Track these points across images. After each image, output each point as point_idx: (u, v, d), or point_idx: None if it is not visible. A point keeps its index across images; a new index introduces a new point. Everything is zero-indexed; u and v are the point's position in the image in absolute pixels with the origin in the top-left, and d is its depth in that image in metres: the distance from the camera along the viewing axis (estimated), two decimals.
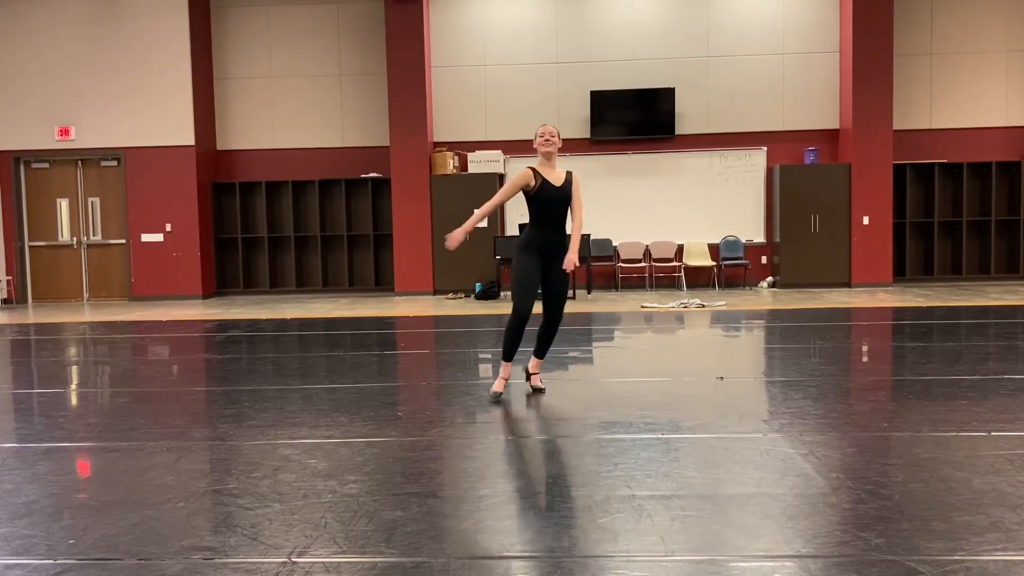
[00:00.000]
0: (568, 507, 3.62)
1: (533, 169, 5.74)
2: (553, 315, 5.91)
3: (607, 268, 14.56)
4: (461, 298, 13.82)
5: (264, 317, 11.54)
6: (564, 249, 5.75)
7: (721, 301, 12.09)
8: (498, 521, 3.46)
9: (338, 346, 8.75)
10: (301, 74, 14.95)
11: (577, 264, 5.71)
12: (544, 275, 5.80)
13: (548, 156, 5.74)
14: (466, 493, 3.83)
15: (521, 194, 5.74)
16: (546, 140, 5.73)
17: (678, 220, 14.51)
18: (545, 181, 5.72)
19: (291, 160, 15.09)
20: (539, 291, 5.82)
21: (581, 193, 5.85)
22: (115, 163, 14.67)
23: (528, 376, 6.08)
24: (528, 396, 5.89)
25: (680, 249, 14.57)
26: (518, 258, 5.77)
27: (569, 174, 5.79)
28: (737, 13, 14.36)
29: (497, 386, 5.85)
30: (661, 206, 14.50)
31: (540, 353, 6.02)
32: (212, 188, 14.94)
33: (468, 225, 5.75)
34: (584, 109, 14.45)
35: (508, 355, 5.85)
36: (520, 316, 5.72)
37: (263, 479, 4.08)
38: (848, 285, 13.96)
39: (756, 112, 14.42)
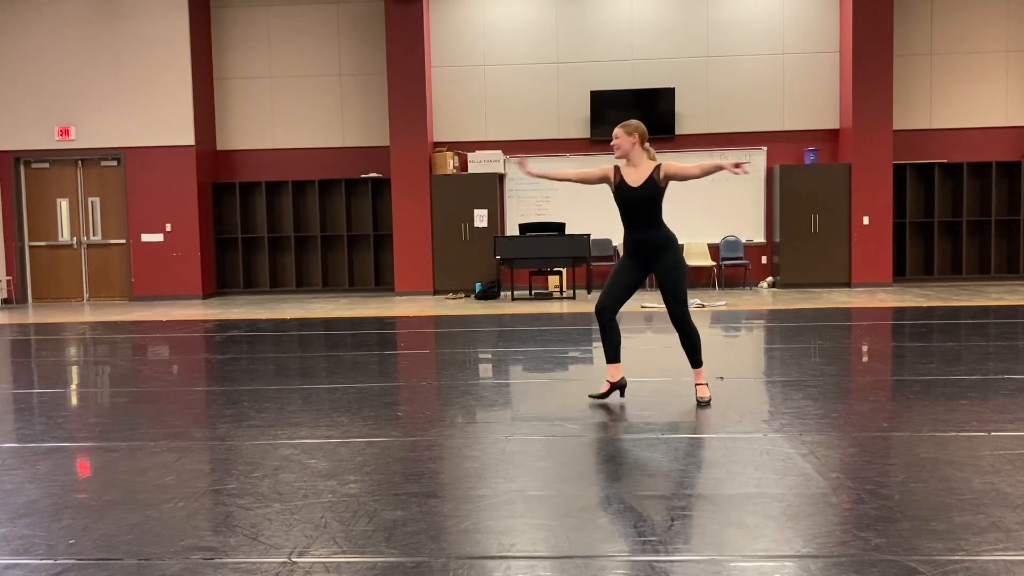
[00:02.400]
0: (568, 507, 3.62)
1: (616, 167, 5.52)
2: (673, 320, 5.57)
3: (607, 268, 14.54)
4: (461, 298, 13.82)
5: (264, 317, 11.54)
6: (659, 250, 5.47)
7: (721, 301, 12.09)
8: (498, 521, 3.46)
9: (338, 346, 8.75)
10: (301, 74, 14.95)
11: (737, 166, 5.33)
12: (657, 281, 5.58)
13: (623, 158, 5.49)
14: (466, 493, 3.83)
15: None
16: (613, 146, 5.50)
17: (678, 220, 14.41)
18: (623, 181, 5.46)
19: (291, 160, 15.09)
20: (626, 291, 5.59)
21: (684, 164, 5.49)
22: (115, 163, 14.67)
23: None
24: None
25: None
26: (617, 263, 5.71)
27: (657, 168, 5.42)
28: (737, 13, 14.37)
29: (604, 388, 5.66)
30: None
31: (692, 363, 5.63)
32: (212, 188, 14.94)
33: (543, 172, 5.71)
34: (584, 109, 14.45)
35: (606, 357, 5.65)
36: (596, 310, 5.62)
37: (263, 479, 4.08)
38: (848, 285, 13.96)
39: (756, 112, 14.42)
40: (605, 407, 5.51)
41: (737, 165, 5.34)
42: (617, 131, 5.53)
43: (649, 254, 5.51)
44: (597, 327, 5.68)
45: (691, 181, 14.84)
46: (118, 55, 14.36)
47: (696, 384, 5.64)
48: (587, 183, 5.65)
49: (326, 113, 14.99)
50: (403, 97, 14.12)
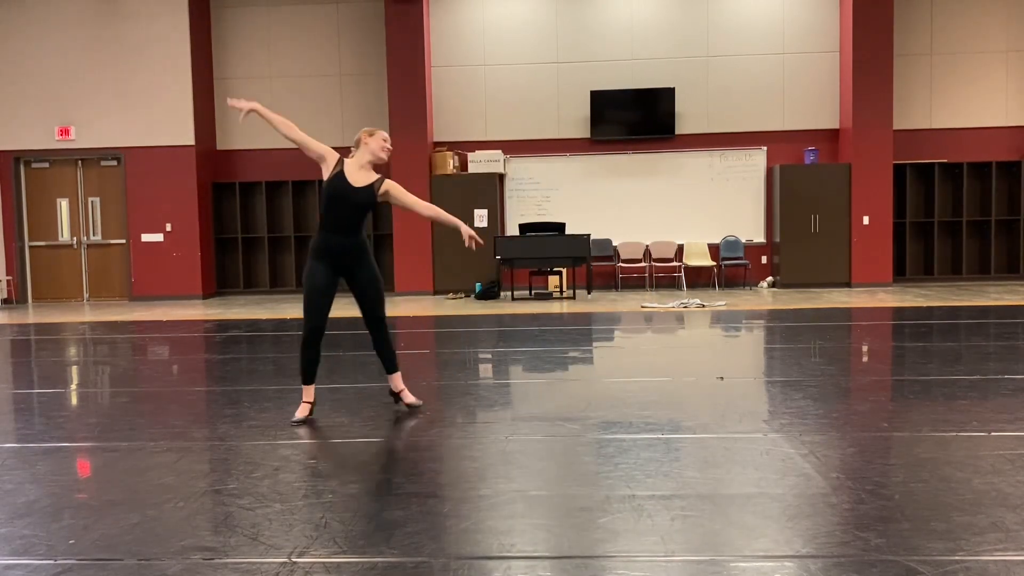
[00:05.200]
0: (568, 507, 3.62)
1: (342, 159, 5.15)
2: (377, 324, 5.38)
3: (607, 268, 14.55)
4: (461, 298, 13.82)
5: (264, 317, 11.54)
6: (362, 255, 5.24)
7: (721, 301, 12.09)
8: (498, 521, 3.46)
9: (338, 346, 8.75)
10: (301, 74, 14.95)
11: (475, 237, 5.30)
12: (352, 289, 5.33)
13: (376, 163, 5.18)
14: (466, 493, 3.83)
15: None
16: (389, 149, 5.23)
17: (678, 220, 14.51)
18: (342, 175, 5.10)
19: (291, 160, 15.07)
20: (330, 306, 5.29)
21: (408, 193, 5.34)
22: (115, 163, 14.67)
23: (395, 397, 5.55)
24: (401, 410, 5.50)
25: (680, 249, 14.56)
26: (308, 266, 5.21)
27: (380, 181, 5.21)
28: (737, 13, 14.36)
29: (299, 412, 5.28)
30: (661, 206, 14.49)
31: (390, 368, 5.48)
32: (212, 188, 14.93)
33: (262, 110, 5.04)
34: (584, 109, 14.45)
35: (305, 378, 5.30)
36: (310, 333, 5.20)
37: (263, 479, 4.08)
38: (848, 285, 13.95)
39: (756, 112, 14.42)
40: (605, 407, 5.50)
41: (471, 237, 5.29)
42: (390, 139, 5.29)
43: (351, 260, 5.22)
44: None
45: (691, 181, 14.82)
46: (118, 55, 14.36)
47: (400, 391, 5.48)
48: (305, 150, 5.12)
49: (326, 113, 14.98)
50: (403, 97, 14.12)
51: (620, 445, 4.59)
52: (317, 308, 5.19)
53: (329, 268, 5.20)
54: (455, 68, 14.63)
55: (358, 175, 5.17)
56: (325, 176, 5.15)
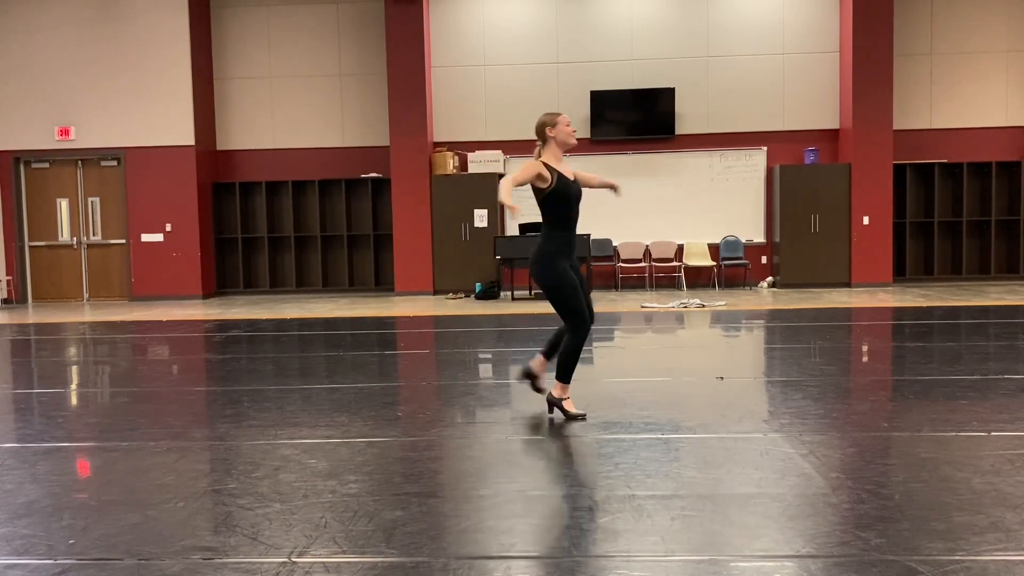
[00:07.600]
0: (568, 507, 3.62)
1: (545, 164, 5.13)
2: (591, 318, 5.31)
3: (607, 268, 14.55)
4: (461, 298, 13.82)
5: (264, 317, 11.54)
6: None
7: (721, 301, 12.09)
8: (498, 521, 3.46)
9: (338, 346, 8.75)
10: (301, 74, 14.95)
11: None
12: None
13: (567, 150, 5.21)
14: (466, 493, 3.83)
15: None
16: (574, 131, 5.27)
17: (678, 220, 14.51)
18: (563, 176, 5.15)
19: (291, 160, 15.09)
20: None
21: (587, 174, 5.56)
22: (115, 163, 14.67)
23: (535, 378, 5.48)
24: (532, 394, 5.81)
25: (680, 249, 14.56)
26: (556, 270, 5.11)
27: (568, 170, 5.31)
28: (737, 13, 14.36)
29: (572, 405, 5.26)
30: (661, 206, 14.49)
31: (554, 354, 5.40)
32: (212, 188, 14.93)
33: (508, 201, 4.90)
34: (584, 109, 14.45)
35: (571, 377, 5.23)
36: (587, 332, 5.14)
37: (263, 479, 4.08)
38: (848, 285, 13.95)
39: (756, 112, 14.42)
40: (605, 407, 5.50)
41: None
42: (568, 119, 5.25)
43: (575, 253, 5.32)
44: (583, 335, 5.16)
45: (691, 181, 14.78)
46: (118, 55, 14.36)
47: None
48: (521, 185, 5.10)
49: (326, 113, 14.99)
50: (403, 97, 14.12)
51: (620, 445, 4.59)
52: (583, 304, 5.15)
53: (568, 264, 5.21)
54: (455, 68, 14.63)
55: (565, 169, 5.21)
56: (544, 185, 5.12)
